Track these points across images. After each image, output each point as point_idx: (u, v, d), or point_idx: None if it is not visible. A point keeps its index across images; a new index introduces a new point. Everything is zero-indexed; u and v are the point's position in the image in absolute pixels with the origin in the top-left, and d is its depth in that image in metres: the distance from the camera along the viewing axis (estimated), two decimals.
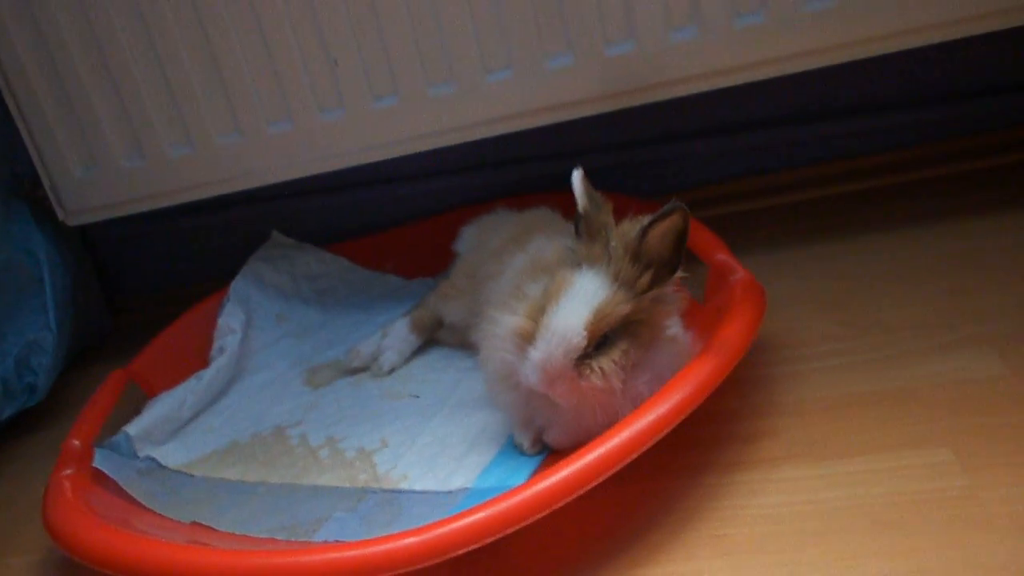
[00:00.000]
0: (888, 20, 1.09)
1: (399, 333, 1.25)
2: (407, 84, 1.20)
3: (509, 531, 0.75)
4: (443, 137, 1.23)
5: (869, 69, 1.19)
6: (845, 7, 1.08)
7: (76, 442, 1.04)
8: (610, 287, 0.86)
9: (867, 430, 0.88)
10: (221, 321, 1.31)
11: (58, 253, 1.38)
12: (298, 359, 1.32)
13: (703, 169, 1.47)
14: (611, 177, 1.41)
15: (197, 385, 1.21)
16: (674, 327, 0.93)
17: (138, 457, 1.11)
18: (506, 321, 0.90)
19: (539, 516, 0.75)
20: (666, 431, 0.80)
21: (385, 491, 0.97)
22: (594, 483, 0.77)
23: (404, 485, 0.97)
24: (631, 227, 0.89)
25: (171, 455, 1.13)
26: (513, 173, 1.47)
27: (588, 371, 0.85)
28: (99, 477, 1.02)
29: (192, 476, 1.09)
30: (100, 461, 1.03)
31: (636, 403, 0.84)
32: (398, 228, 1.51)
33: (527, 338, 0.87)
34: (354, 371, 1.25)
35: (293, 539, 0.91)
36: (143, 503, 1.01)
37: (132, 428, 1.12)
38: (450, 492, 0.94)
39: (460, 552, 0.74)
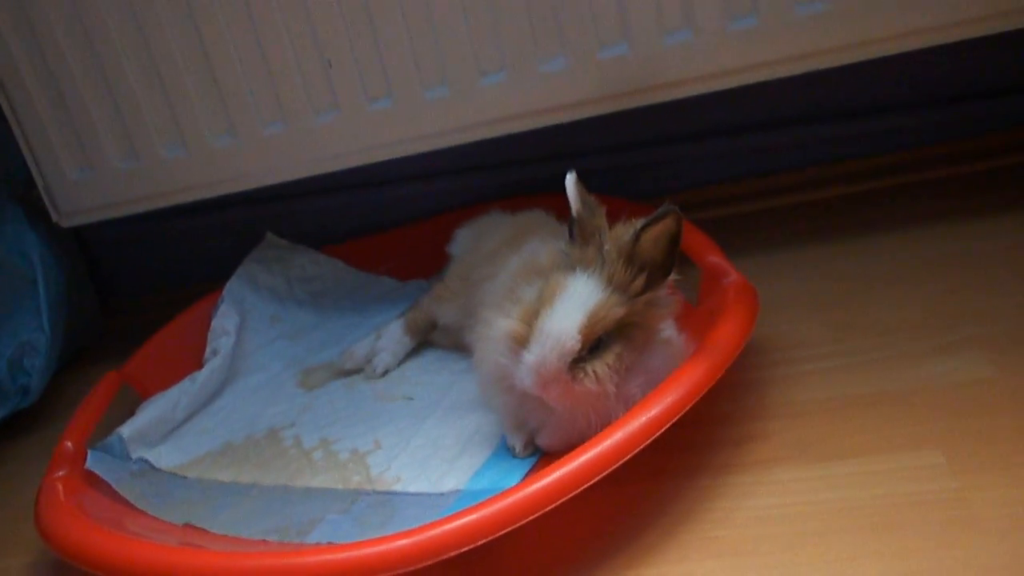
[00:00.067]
0: (882, 23, 1.09)
1: (393, 335, 1.25)
2: (401, 86, 1.20)
3: (502, 533, 0.75)
4: (437, 139, 1.23)
5: (866, 71, 1.19)
6: (839, 11, 1.09)
7: (69, 444, 1.04)
8: (604, 291, 0.86)
9: (860, 432, 0.88)
10: (215, 323, 1.30)
11: (52, 254, 1.38)
12: (292, 361, 1.32)
13: (698, 171, 1.47)
14: (605, 179, 1.41)
15: (191, 387, 1.21)
16: (668, 330, 0.93)
17: (131, 459, 1.11)
18: (500, 324, 0.90)
19: (532, 518, 0.75)
20: (659, 433, 0.80)
21: (378, 493, 0.97)
22: (587, 485, 0.77)
23: (397, 487, 0.97)
24: (624, 230, 0.89)
25: (164, 457, 1.13)
26: (507, 175, 1.48)
27: (582, 374, 0.85)
28: (92, 479, 1.02)
29: (185, 478, 1.09)
30: (93, 463, 1.03)
31: (629, 406, 0.84)
32: (392, 230, 1.51)
33: (521, 341, 0.87)
34: (348, 373, 1.25)
35: (286, 541, 0.91)
36: (136, 505, 1.00)
37: (125, 430, 1.12)
38: (443, 494, 0.94)
39: (453, 554, 0.74)
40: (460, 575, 0.83)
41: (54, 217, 1.34)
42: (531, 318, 0.87)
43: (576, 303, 0.85)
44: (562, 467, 0.77)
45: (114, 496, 1.01)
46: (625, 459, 0.79)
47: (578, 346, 0.85)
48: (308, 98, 1.23)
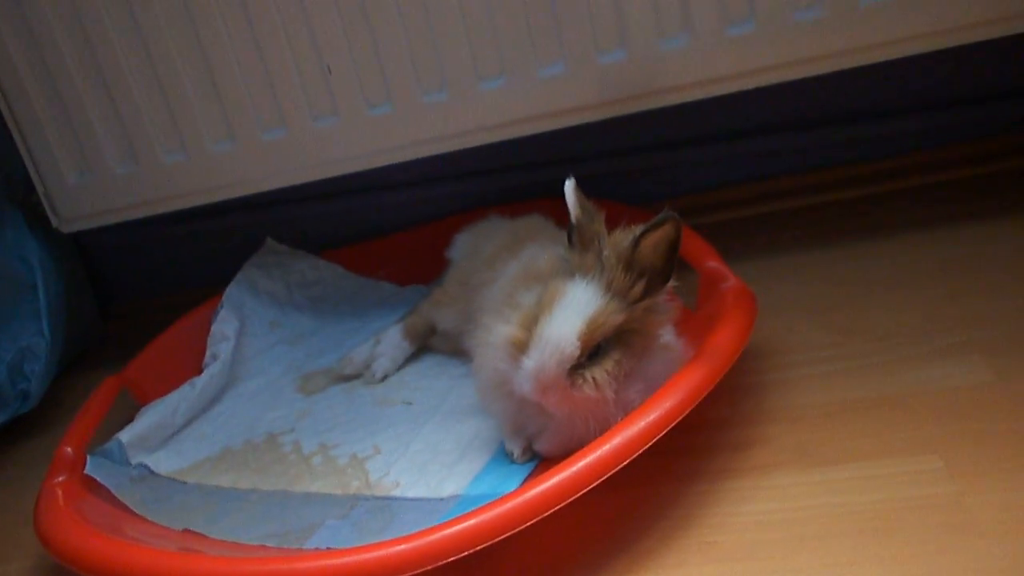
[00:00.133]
0: (879, 29, 1.09)
1: (392, 340, 1.25)
2: (400, 91, 1.20)
3: (500, 538, 0.75)
4: (436, 144, 1.23)
5: (865, 76, 1.19)
6: (836, 17, 1.09)
7: (68, 449, 1.04)
8: (603, 297, 0.86)
9: (857, 437, 0.88)
10: (215, 328, 1.30)
11: (51, 259, 1.38)
12: (291, 366, 1.32)
13: (696, 176, 1.47)
14: (604, 184, 1.41)
15: (190, 392, 1.21)
16: (666, 335, 0.93)
17: (130, 464, 1.11)
18: (499, 330, 0.90)
19: (530, 523, 0.75)
20: (657, 438, 0.81)
21: (377, 498, 0.97)
22: (585, 490, 0.77)
23: (396, 492, 0.97)
24: (624, 236, 0.89)
25: (164, 462, 1.13)
26: (506, 180, 1.48)
27: (581, 381, 0.85)
28: (91, 484, 1.02)
29: (184, 483, 1.09)
30: (92, 468, 1.03)
31: (628, 411, 0.84)
32: (392, 235, 1.51)
33: (520, 347, 0.87)
34: (347, 378, 1.25)
35: (285, 546, 0.91)
36: (135, 510, 1.01)
37: (125, 435, 1.12)
38: (441, 499, 0.94)
39: (451, 559, 0.74)
40: None
41: (54, 222, 1.35)
42: (530, 324, 0.87)
43: (575, 309, 0.85)
44: (561, 472, 0.77)
45: (113, 501, 1.02)
46: (623, 464, 0.79)
47: (577, 352, 0.85)
48: (308, 103, 1.23)
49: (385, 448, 1.06)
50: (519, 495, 0.76)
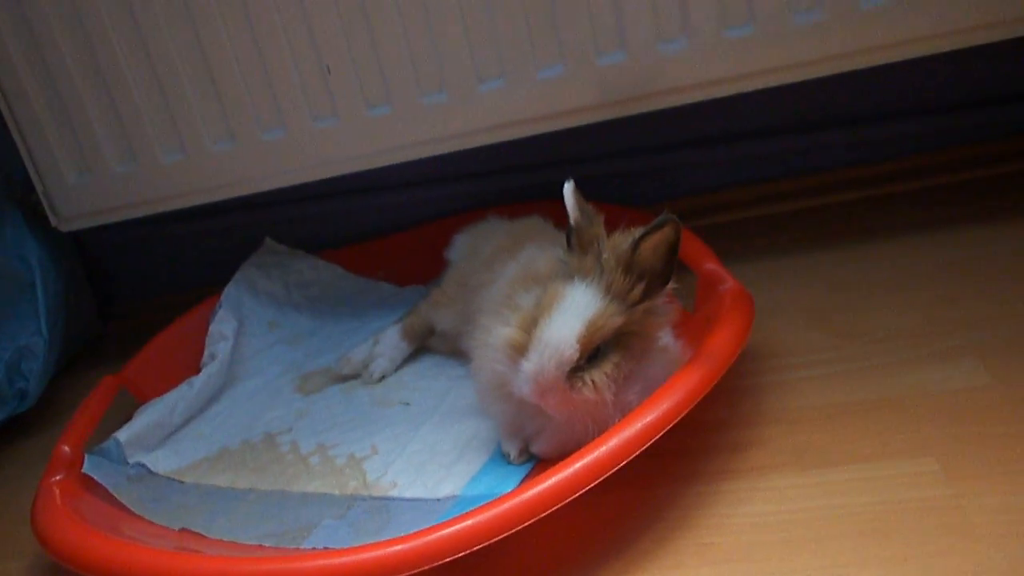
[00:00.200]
0: (878, 32, 1.10)
1: (390, 340, 1.25)
2: (400, 92, 1.21)
3: (497, 538, 0.75)
4: (435, 145, 1.23)
5: (864, 79, 1.19)
6: (835, 20, 1.09)
7: (66, 448, 1.04)
8: (602, 299, 0.86)
9: (854, 439, 0.88)
10: (213, 328, 1.31)
11: (50, 258, 1.39)
12: (290, 366, 1.32)
13: (695, 178, 1.47)
14: (602, 186, 1.41)
15: (188, 392, 1.21)
16: (665, 337, 0.93)
17: (128, 463, 1.11)
18: (499, 332, 0.90)
19: (527, 524, 0.76)
20: (654, 439, 0.81)
21: (374, 498, 0.97)
22: (582, 491, 0.77)
23: (393, 492, 0.97)
24: (623, 239, 0.89)
25: (161, 461, 1.13)
26: (505, 181, 1.48)
27: (580, 383, 0.85)
28: (89, 483, 1.02)
29: (182, 483, 1.09)
30: (90, 467, 1.03)
31: (626, 413, 0.84)
32: (390, 236, 1.52)
33: (519, 350, 0.87)
34: (345, 378, 1.25)
35: (282, 546, 0.91)
36: (133, 509, 1.01)
37: (123, 434, 1.12)
38: (439, 499, 0.94)
39: (448, 559, 0.74)
40: None
41: (53, 221, 1.35)
42: (530, 326, 0.87)
43: (575, 312, 0.86)
44: (558, 473, 0.77)
45: (111, 500, 1.02)
46: (620, 465, 0.79)
47: (576, 355, 0.85)
48: (307, 104, 1.23)
49: (383, 448, 1.06)
50: (516, 496, 0.76)
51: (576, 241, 0.91)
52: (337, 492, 1.00)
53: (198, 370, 1.26)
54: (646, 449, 0.80)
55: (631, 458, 0.79)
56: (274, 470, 1.07)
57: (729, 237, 1.37)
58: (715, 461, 0.90)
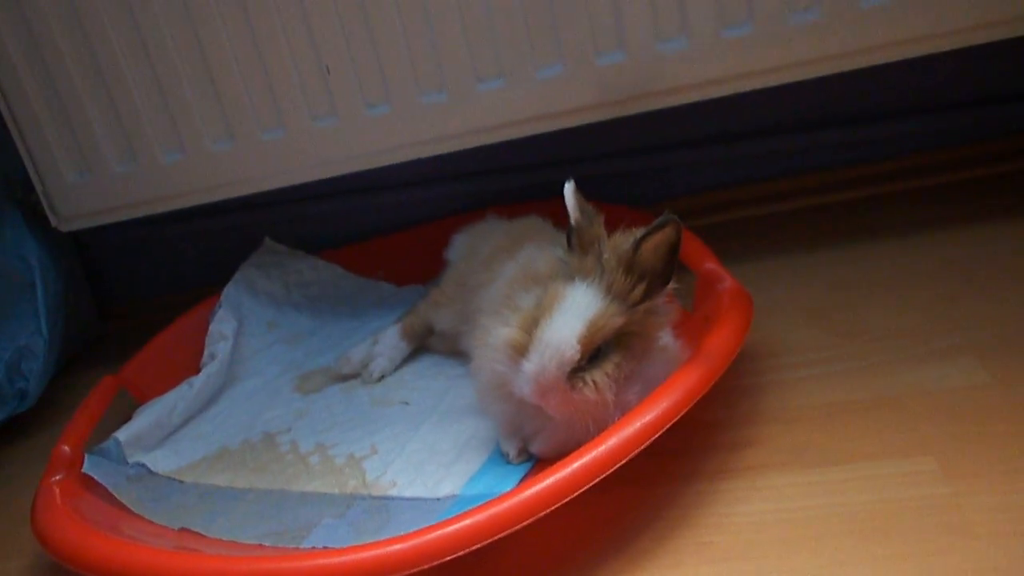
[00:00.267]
0: (876, 32, 1.10)
1: (390, 340, 1.25)
2: (399, 92, 1.21)
3: (496, 538, 0.75)
4: (434, 145, 1.23)
5: (863, 78, 1.19)
6: (833, 19, 1.09)
7: (66, 448, 1.04)
8: (603, 300, 0.86)
9: (852, 438, 0.89)
10: (212, 327, 1.31)
11: (50, 259, 1.39)
12: (289, 366, 1.32)
13: (695, 178, 1.48)
14: (601, 186, 1.41)
15: (188, 391, 1.21)
16: (665, 337, 0.93)
17: (128, 463, 1.11)
18: (499, 332, 0.90)
19: (526, 523, 0.76)
20: (653, 439, 0.81)
21: (374, 498, 0.97)
22: (581, 490, 0.77)
23: (393, 492, 0.98)
24: (624, 239, 0.89)
25: (161, 461, 1.13)
26: (504, 181, 1.48)
27: (581, 384, 0.85)
28: (89, 483, 1.02)
29: (182, 482, 1.09)
30: (90, 467, 1.04)
31: (626, 413, 0.84)
32: (390, 235, 1.52)
33: (520, 350, 0.87)
34: (344, 378, 1.26)
35: (281, 545, 0.91)
36: (132, 509, 1.01)
37: (122, 434, 1.12)
38: (438, 499, 0.94)
39: (447, 559, 0.74)
40: None
41: (53, 221, 1.35)
42: (530, 327, 0.87)
43: (575, 313, 0.86)
44: (557, 472, 0.77)
45: (111, 500, 1.02)
46: (619, 464, 0.79)
47: (577, 356, 0.85)
48: (306, 103, 1.23)
49: (382, 448, 1.06)
50: (515, 495, 0.76)
51: (577, 241, 0.91)
52: (336, 491, 1.00)
53: (198, 370, 1.26)
54: (645, 448, 0.80)
55: (630, 457, 0.79)
56: (273, 470, 1.08)
57: (728, 236, 1.37)
58: (714, 460, 0.91)
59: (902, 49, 1.11)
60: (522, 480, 0.93)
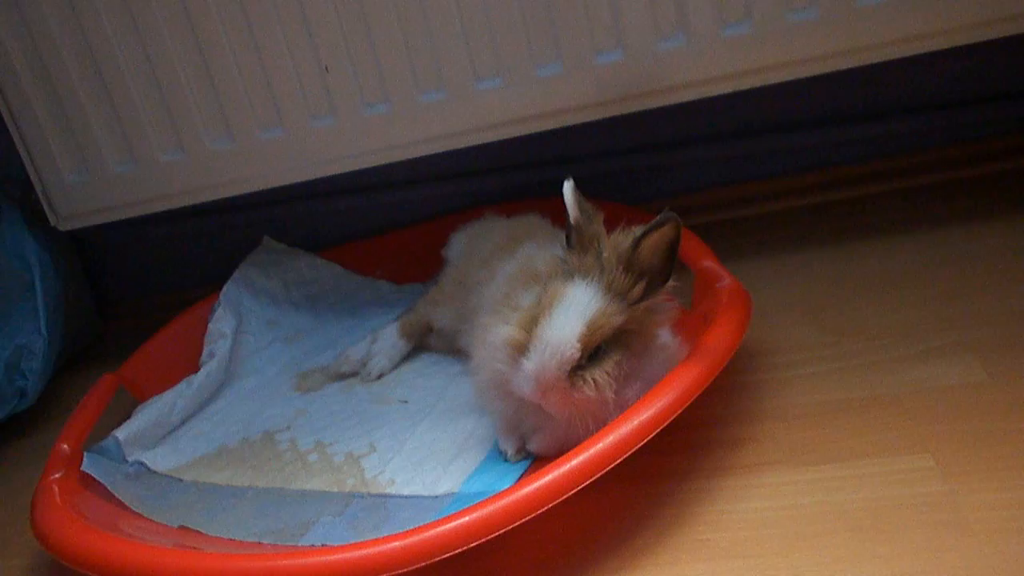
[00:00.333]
0: (874, 30, 1.10)
1: (389, 338, 1.25)
2: (398, 91, 1.21)
3: (495, 535, 0.75)
4: (433, 144, 1.23)
5: (860, 76, 1.20)
6: (831, 18, 1.09)
7: (65, 446, 1.05)
8: (603, 298, 0.86)
9: (849, 436, 0.89)
10: (212, 326, 1.31)
11: (50, 258, 1.39)
12: (288, 364, 1.32)
13: (693, 176, 1.48)
14: (600, 184, 1.42)
15: (187, 390, 1.22)
16: (664, 335, 0.93)
17: (127, 461, 1.11)
18: (499, 331, 0.90)
19: (525, 520, 0.76)
20: (651, 436, 0.81)
21: (372, 495, 0.97)
22: (579, 487, 0.77)
23: (391, 490, 0.98)
24: (623, 238, 0.89)
25: (160, 459, 1.13)
26: (503, 180, 1.48)
27: (581, 382, 0.86)
28: (88, 481, 1.02)
29: (181, 480, 1.09)
30: (89, 465, 1.04)
31: (624, 410, 0.84)
32: (388, 234, 1.52)
33: (520, 349, 0.87)
34: (343, 376, 1.26)
35: (280, 543, 0.91)
36: (131, 507, 1.01)
37: (122, 432, 1.12)
38: (437, 496, 0.94)
39: (446, 556, 0.75)
40: None
41: (52, 221, 1.35)
42: (530, 325, 0.88)
43: (575, 311, 0.86)
44: (555, 469, 0.77)
45: (110, 498, 1.02)
46: (617, 462, 0.79)
47: (578, 355, 0.85)
48: (305, 103, 1.23)
49: (381, 446, 1.06)
50: (513, 492, 0.77)
51: (576, 240, 0.91)
52: (335, 489, 1.00)
53: (197, 368, 1.26)
54: (642, 446, 0.80)
55: (628, 455, 0.80)
56: (273, 467, 1.08)
57: (726, 235, 1.38)
58: (711, 458, 0.91)
59: (899, 47, 1.11)
60: (520, 478, 0.93)
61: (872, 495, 0.81)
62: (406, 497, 0.96)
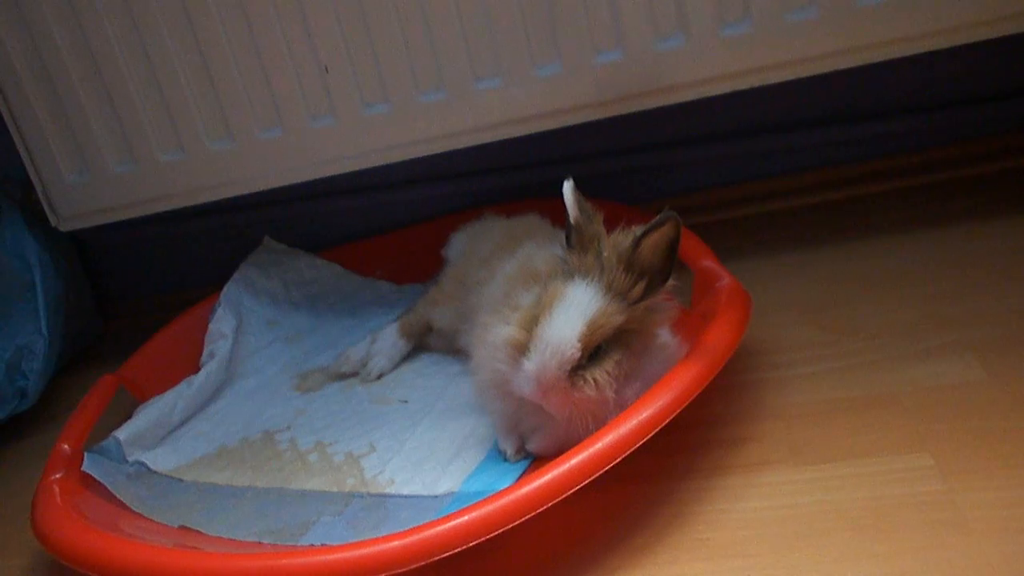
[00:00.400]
0: (873, 30, 1.10)
1: (388, 338, 1.25)
2: (397, 91, 1.21)
3: (494, 534, 0.75)
4: (433, 144, 1.24)
5: (859, 75, 1.20)
6: (830, 17, 1.09)
7: (66, 446, 1.05)
8: (603, 298, 0.87)
9: (849, 435, 0.89)
10: (212, 326, 1.31)
11: (50, 258, 1.39)
12: (288, 364, 1.32)
13: (692, 176, 1.48)
14: (599, 184, 1.42)
15: (187, 390, 1.22)
16: (664, 334, 0.93)
17: (127, 462, 1.11)
18: (499, 331, 0.91)
19: (524, 519, 0.76)
20: (650, 435, 0.81)
21: (372, 495, 0.98)
22: (578, 487, 0.77)
23: (391, 489, 0.98)
24: (623, 237, 0.89)
25: (160, 460, 1.13)
26: (502, 180, 1.48)
27: (582, 382, 0.86)
28: (88, 481, 1.03)
29: (181, 480, 1.09)
30: (89, 465, 1.04)
31: (624, 410, 0.84)
32: (388, 234, 1.52)
33: (520, 349, 0.88)
34: (343, 376, 1.26)
35: (280, 543, 0.91)
36: (132, 507, 1.01)
37: (122, 433, 1.12)
38: (437, 496, 0.94)
39: (445, 555, 0.75)
40: None
41: (52, 221, 1.35)
42: (530, 325, 0.88)
43: (576, 311, 0.86)
44: (555, 469, 0.77)
45: (110, 498, 1.02)
46: (617, 461, 0.79)
47: (578, 354, 0.85)
48: (305, 103, 1.23)
49: (381, 446, 1.07)
50: (513, 492, 0.77)
51: (576, 239, 0.91)
52: (335, 489, 1.00)
53: (197, 368, 1.26)
54: (642, 445, 0.81)
55: (627, 454, 0.80)
56: (272, 467, 1.08)
57: (726, 234, 1.38)
58: (710, 457, 0.91)
59: (899, 47, 1.11)
60: (520, 477, 0.93)
61: (871, 494, 0.80)
62: (406, 497, 0.96)
